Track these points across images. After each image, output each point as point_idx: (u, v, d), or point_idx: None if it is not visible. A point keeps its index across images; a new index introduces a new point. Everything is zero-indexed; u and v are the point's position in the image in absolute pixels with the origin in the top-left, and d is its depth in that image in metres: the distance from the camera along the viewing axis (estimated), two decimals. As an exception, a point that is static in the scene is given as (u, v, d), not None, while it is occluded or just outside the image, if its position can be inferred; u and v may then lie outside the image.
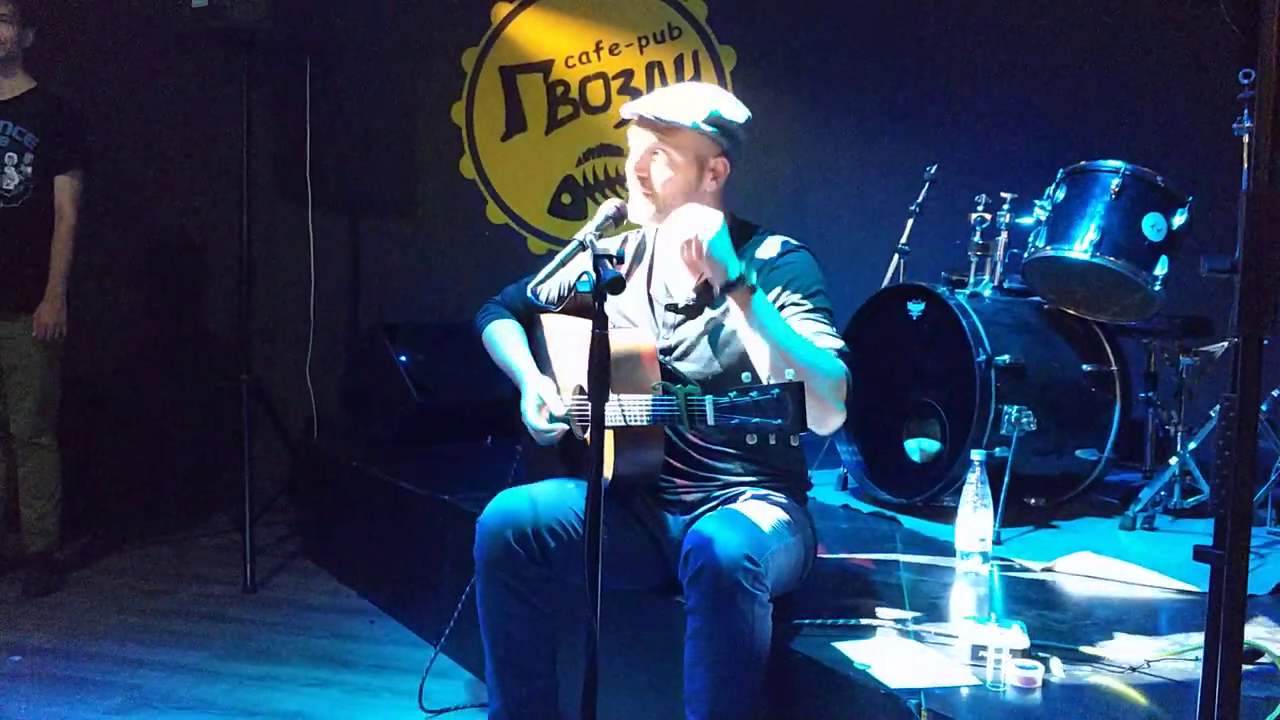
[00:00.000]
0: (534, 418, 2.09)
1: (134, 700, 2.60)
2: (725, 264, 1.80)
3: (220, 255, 4.23)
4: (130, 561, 3.66)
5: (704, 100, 2.00)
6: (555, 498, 2.05)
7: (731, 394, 1.72)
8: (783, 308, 1.95)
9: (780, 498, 2.06)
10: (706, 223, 1.82)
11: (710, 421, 1.76)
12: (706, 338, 2.05)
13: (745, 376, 1.79)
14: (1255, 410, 0.97)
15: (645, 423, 1.92)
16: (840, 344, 1.94)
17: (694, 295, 2.07)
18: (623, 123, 2.06)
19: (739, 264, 1.82)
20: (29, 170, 3.19)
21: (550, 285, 2.20)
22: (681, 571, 1.86)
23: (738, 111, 2.03)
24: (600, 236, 1.81)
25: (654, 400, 1.89)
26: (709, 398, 1.75)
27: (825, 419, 1.85)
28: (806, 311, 1.95)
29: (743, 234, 2.08)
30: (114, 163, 3.76)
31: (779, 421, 1.68)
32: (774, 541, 1.91)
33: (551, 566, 2.01)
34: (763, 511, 1.97)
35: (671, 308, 2.09)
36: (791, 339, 1.85)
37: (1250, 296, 0.94)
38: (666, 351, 2.07)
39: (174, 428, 4.30)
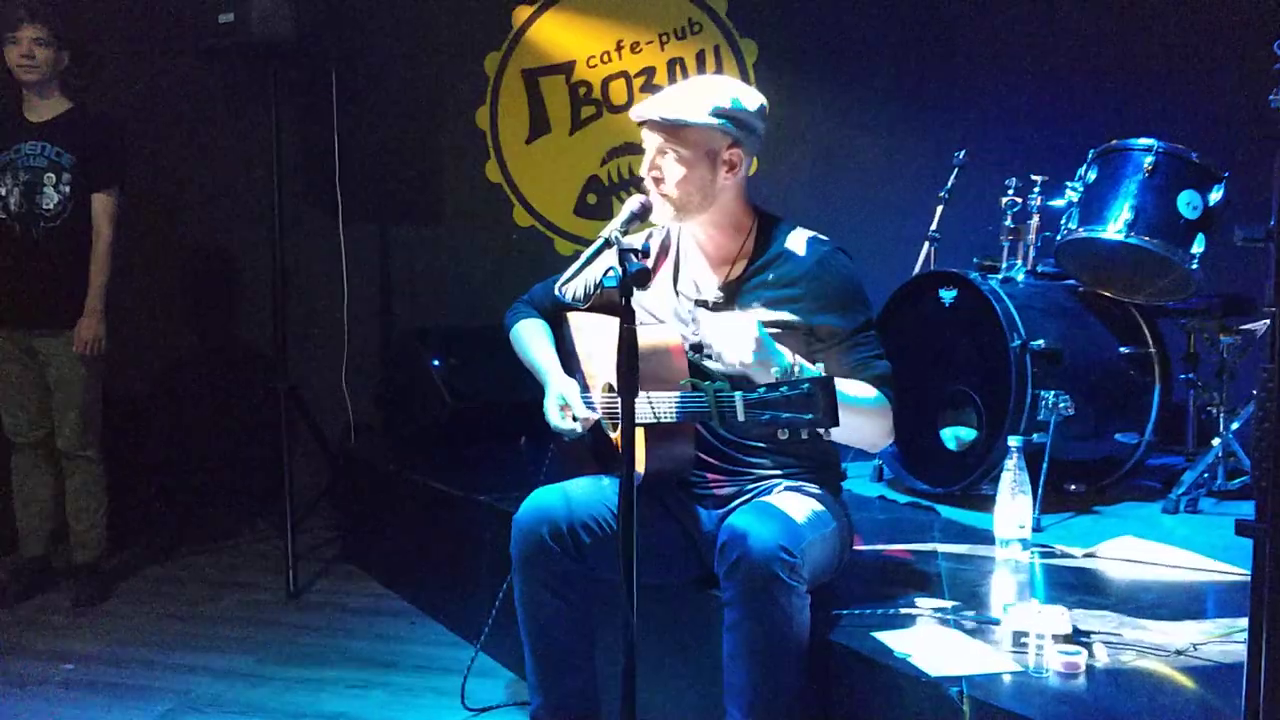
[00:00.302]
0: (555, 417, 2.10)
1: (183, 705, 2.64)
2: (777, 366, 1.78)
3: (254, 266, 4.29)
4: (175, 570, 3.72)
5: (708, 93, 1.98)
6: (589, 494, 2.06)
7: (761, 390, 1.72)
8: (827, 333, 1.97)
9: (814, 488, 2.05)
10: (743, 342, 1.80)
11: (740, 418, 1.76)
12: None
13: (775, 372, 1.78)
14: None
15: (675, 419, 1.93)
16: (882, 366, 1.97)
17: (720, 294, 2.07)
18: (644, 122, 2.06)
19: (785, 362, 1.79)
20: (67, 189, 3.25)
21: (577, 283, 2.20)
22: (718, 564, 1.86)
23: (748, 99, 2.00)
24: (625, 233, 1.82)
25: (682, 397, 1.89)
26: (738, 394, 1.75)
27: (875, 446, 2.03)
28: (848, 338, 1.97)
29: (766, 228, 2.08)
30: (147, 178, 3.82)
31: (809, 416, 1.67)
32: (810, 532, 1.90)
33: (586, 562, 2.02)
34: (797, 502, 1.96)
35: (701, 304, 2.09)
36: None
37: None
38: (696, 348, 2.07)
39: (214, 438, 4.37)
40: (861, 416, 1.89)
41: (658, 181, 2.01)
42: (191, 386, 4.43)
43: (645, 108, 2.00)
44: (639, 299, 2.12)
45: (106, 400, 3.41)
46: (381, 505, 3.71)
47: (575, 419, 2.08)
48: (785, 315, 1.98)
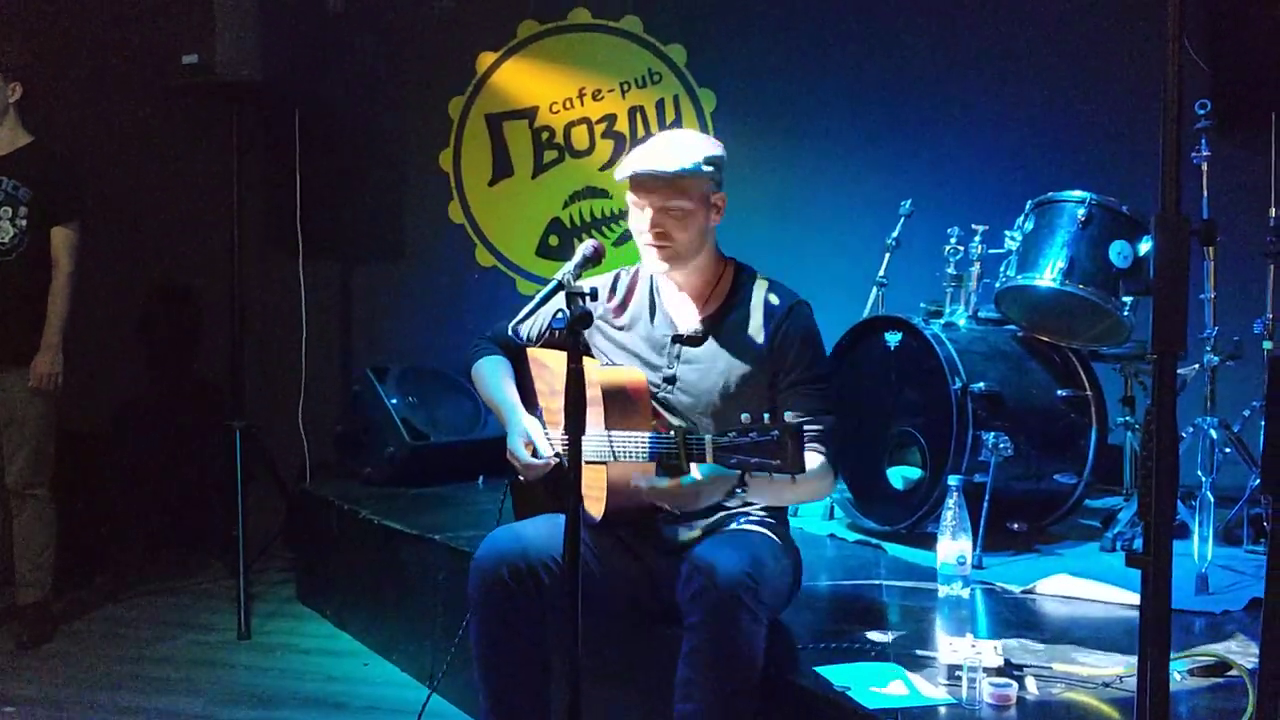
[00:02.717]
0: (524, 454, 2.14)
1: (128, 747, 2.61)
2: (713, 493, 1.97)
3: (213, 304, 4.29)
4: (125, 611, 3.67)
5: (695, 143, 2.07)
6: (548, 533, 2.08)
7: (731, 434, 1.78)
8: (788, 380, 2.06)
9: (771, 521, 2.12)
10: (721, 490, 1.98)
11: (709, 461, 1.82)
12: (710, 370, 2.10)
13: (745, 416, 1.82)
14: (1173, 423, 1.03)
15: (641, 460, 1.97)
16: (827, 422, 2.03)
17: (699, 327, 2.13)
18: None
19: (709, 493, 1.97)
20: (24, 223, 3.24)
21: (530, 323, 2.26)
22: (682, 591, 1.89)
23: (719, 145, 2.12)
24: (578, 276, 1.88)
25: (651, 438, 1.94)
26: (708, 437, 1.81)
27: (815, 500, 2.14)
28: (804, 385, 2.05)
29: (737, 272, 2.16)
30: (107, 214, 3.83)
31: (777, 462, 1.73)
32: (770, 561, 1.96)
33: (545, 601, 2.04)
34: (755, 536, 2.03)
35: (678, 339, 2.15)
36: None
37: (1163, 316, 1.00)
38: (670, 380, 2.12)
39: (168, 476, 4.33)
40: (803, 483, 1.93)
41: (661, 235, 2.04)
42: (146, 424, 4.39)
43: (640, 163, 2.03)
44: (611, 334, 2.19)
45: (59, 437, 3.38)
46: (336, 546, 3.70)
47: (538, 456, 2.12)
48: (754, 366, 2.07)
